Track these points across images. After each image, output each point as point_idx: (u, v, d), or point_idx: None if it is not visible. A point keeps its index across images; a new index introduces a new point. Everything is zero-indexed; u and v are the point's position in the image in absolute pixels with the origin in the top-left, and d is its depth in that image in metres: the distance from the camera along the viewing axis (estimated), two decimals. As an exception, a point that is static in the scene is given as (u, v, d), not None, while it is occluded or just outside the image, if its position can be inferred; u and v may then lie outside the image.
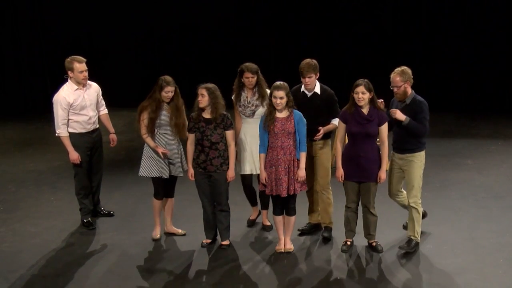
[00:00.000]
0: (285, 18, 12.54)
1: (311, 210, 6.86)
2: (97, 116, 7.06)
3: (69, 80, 6.83)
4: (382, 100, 6.14)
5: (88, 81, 6.94)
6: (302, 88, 6.46)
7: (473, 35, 11.93)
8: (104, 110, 7.22)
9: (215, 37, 12.89)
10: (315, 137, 6.35)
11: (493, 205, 7.41)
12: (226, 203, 6.39)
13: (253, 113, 6.58)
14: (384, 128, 6.03)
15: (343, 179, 6.14)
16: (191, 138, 6.26)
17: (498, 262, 5.97)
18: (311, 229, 6.79)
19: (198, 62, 12.83)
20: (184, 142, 6.50)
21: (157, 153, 6.38)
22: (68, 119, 6.78)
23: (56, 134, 6.85)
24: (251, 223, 7.04)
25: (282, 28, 12.62)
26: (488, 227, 6.79)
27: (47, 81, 13.42)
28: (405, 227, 6.64)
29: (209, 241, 6.52)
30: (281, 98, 5.94)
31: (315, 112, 6.34)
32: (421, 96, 6.15)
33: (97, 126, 7.08)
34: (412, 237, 6.24)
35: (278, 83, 6.04)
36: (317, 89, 6.44)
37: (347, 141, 6.24)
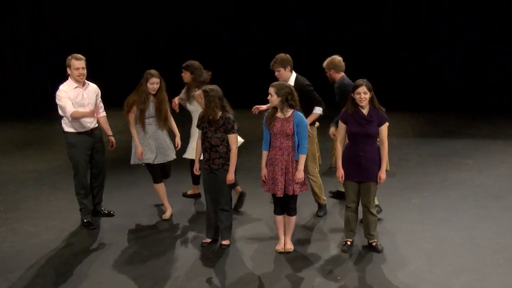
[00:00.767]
0: (285, 18, 12.54)
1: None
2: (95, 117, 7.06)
3: (69, 78, 6.86)
4: None
5: (87, 82, 6.95)
6: None
7: (473, 35, 11.94)
8: (102, 113, 7.22)
9: (215, 37, 12.90)
10: None
11: (493, 205, 7.41)
12: (227, 202, 6.39)
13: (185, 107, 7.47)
14: (384, 128, 6.02)
15: (343, 179, 6.14)
16: (199, 133, 6.36)
17: (498, 262, 5.97)
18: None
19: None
20: (171, 132, 7.16)
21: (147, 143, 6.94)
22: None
23: (69, 116, 6.67)
24: (185, 195, 7.95)
25: (282, 28, 12.63)
26: (488, 227, 6.80)
27: (47, 81, 13.44)
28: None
29: (208, 240, 6.51)
30: (271, 95, 6.00)
31: None
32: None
33: (97, 125, 7.08)
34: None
35: (274, 83, 6.10)
36: (291, 81, 6.84)
37: (347, 141, 6.25)
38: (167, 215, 7.27)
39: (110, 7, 13.05)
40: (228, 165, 6.25)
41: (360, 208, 6.30)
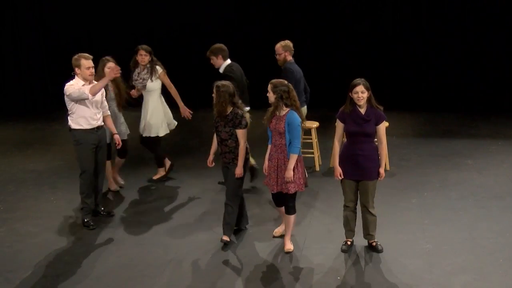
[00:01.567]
0: (285, 18, 12.54)
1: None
2: (101, 114, 7.06)
3: (76, 77, 6.89)
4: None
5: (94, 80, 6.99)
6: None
7: (473, 35, 11.93)
8: (106, 112, 7.23)
9: (215, 37, 12.89)
10: None
11: (493, 205, 7.41)
12: (232, 198, 6.44)
13: (144, 86, 8.06)
14: (382, 127, 6.03)
15: (341, 177, 6.14)
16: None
17: (498, 262, 5.97)
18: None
19: (198, 62, 12.81)
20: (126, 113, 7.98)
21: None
22: (74, 113, 6.85)
23: (89, 94, 6.68)
24: (151, 180, 8.49)
25: (282, 28, 12.62)
26: (488, 227, 6.79)
27: (47, 81, 13.42)
28: None
29: (226, 238, 6.48)
30: (268, 92, 6.16)
31: None
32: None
33: (102, 123, 7.08)
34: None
35: (274, 80, 6.22)
36: (222, 68, 7.91)
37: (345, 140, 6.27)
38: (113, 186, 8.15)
39: (110, 7, 13.03)
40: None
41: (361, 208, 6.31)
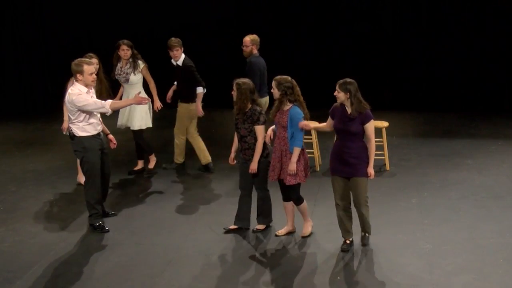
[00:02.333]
0: (285, 18, 12.54)
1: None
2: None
3: (75, 83, 6.64)
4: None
5: None
6: (172, 60, 8.55)
7: (473, 35, 11.92)
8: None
9: (215, 37, 12.89)
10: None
11: (493, 205, 7.41)
12: (263, 186, 6.64)
13: (127, 80, 8.33)
14: (369, 126, 6.05)
15: (307, 128, 6.30)
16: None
17: (498, 262, 5.97)
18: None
19: (198, 62, 12.81)
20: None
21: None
22: (81, 121, 6.66)
23: (109, 109, 6.64)
24: (131, 172, 8.75)
25: (282, 28, 12.62)
26: (488, 227, 6.79)
27: (47, 81, 13.41)
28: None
29: (234, 227, 6.78)
30: (273, 89, 6.34)
31: (180, 79, 8.48)
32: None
33: (101, 128, 7.04)
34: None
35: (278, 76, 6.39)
36: (180, 61, 8.42)
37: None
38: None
39: (110, 7, 13.01)
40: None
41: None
